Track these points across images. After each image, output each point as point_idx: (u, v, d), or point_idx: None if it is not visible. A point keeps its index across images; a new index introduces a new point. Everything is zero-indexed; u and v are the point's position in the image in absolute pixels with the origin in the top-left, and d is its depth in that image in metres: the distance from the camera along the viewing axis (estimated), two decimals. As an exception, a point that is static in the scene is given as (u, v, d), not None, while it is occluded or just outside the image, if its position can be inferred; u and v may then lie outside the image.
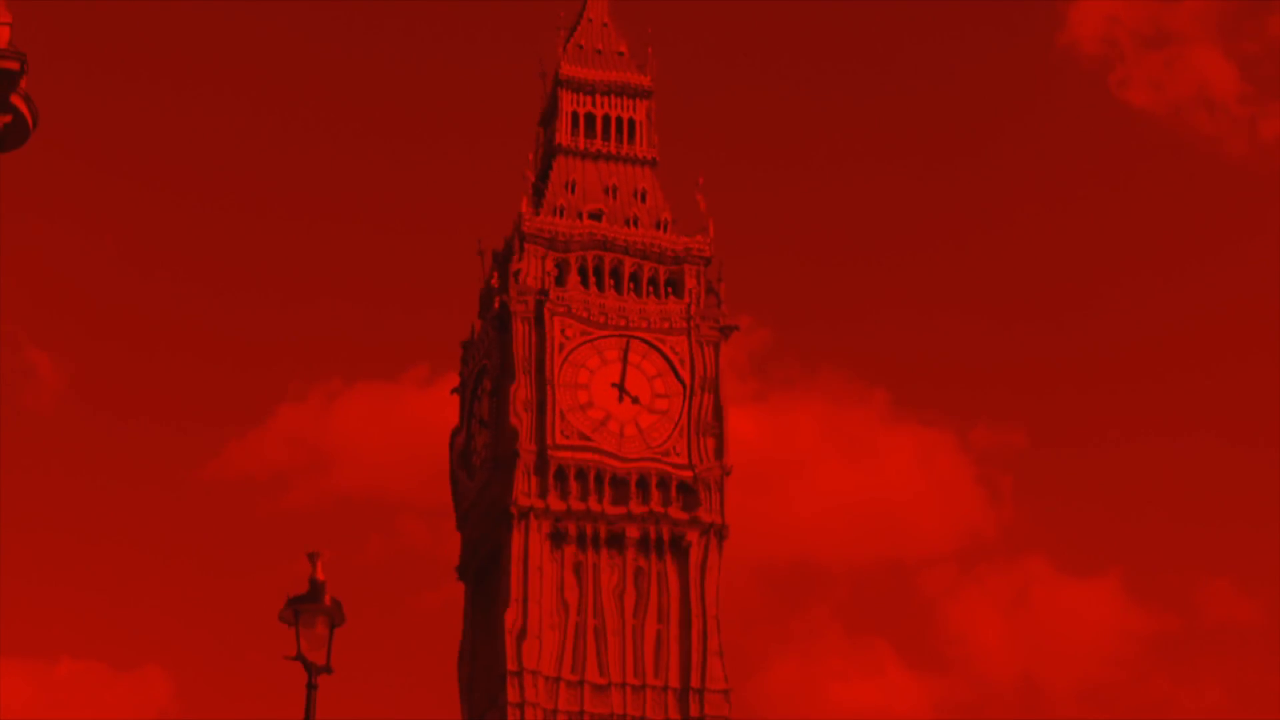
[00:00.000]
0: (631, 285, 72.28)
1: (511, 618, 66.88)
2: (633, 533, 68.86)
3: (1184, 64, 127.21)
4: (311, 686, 18.44)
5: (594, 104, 76.62)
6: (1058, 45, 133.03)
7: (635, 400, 70.25)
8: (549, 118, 77.55)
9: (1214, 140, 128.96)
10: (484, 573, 71.32)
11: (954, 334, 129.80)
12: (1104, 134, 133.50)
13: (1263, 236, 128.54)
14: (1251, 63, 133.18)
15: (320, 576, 18.52)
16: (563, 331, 70.47)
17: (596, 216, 73.30)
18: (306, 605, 18.37)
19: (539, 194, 74.22)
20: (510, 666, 66.23)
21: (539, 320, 70.55)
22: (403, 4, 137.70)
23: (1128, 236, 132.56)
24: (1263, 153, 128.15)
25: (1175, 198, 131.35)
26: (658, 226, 73.70)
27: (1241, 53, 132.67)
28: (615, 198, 74.42)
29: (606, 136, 76.08)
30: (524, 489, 68.41)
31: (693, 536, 69.06)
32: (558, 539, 68.61)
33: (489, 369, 72.40)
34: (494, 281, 72.72)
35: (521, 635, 66.67)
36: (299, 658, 18.33)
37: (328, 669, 18.11)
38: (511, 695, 65.92)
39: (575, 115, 76.24)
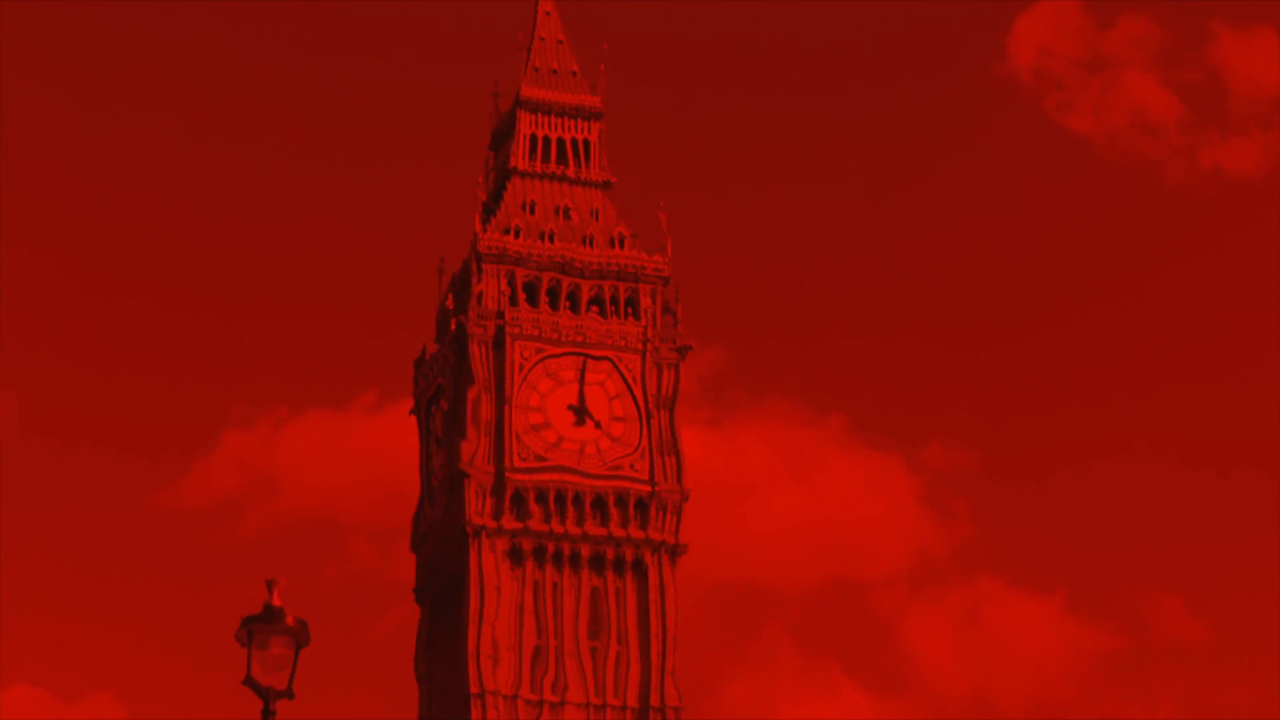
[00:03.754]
0: (588, 306, 72.19)
1: (470, 639, 66.68)
2: (590, 552, 68.79)
3: (1121, 91, 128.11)
4: (270, 712, 18.04)
5: (550, 125, 76.50)
6: (999, 73, 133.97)
7: (597, 425, 70.14)
8: (501, 139, 77.36)
9: (1155, 165, 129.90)
10: (442, 595, 71.05)
11: (904, 358, 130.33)
12: (1048, 161, 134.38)
13: (1204, 262, 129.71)
14: (1190, 90, 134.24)
15: (277, 603, 18.09)
16: (520, 352, 70.37)
17: (552, 237, 73.15)
18: (262, 626, 17.93)
19: (492, 215, 74.02)
20: (472, 689, 66.04)
21: (497, 342, 70.45)
22: (355, 24, 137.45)
23: (1074, 262, 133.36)
24: (1201, 180, 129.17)
25: (1118, 224, 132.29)
26: (613, 244, 73.61)
27: (1180, 80, 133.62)
28: (570, 218, 74.31)
29: (563, 158, 75.96)
30: (479, 509, 68.30)
31: (650, 556, 69.05)
32: (516, 559, 68.47)
33: (444, 389, 72.19)
34: (449, 303, 72.51)
35: (480, 657, 66.46)
36: (249, 681, 17.94)
37: (289, 694, 17.64)
38: (474, 716, 65.72)
39: (532, 137, 76.10)
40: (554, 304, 71.97)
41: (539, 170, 75.46)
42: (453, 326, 71.49)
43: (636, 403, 70.84)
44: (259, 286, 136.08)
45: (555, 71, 77.73)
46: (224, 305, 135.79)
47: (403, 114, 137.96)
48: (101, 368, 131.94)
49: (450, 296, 72.93)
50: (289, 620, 17.64)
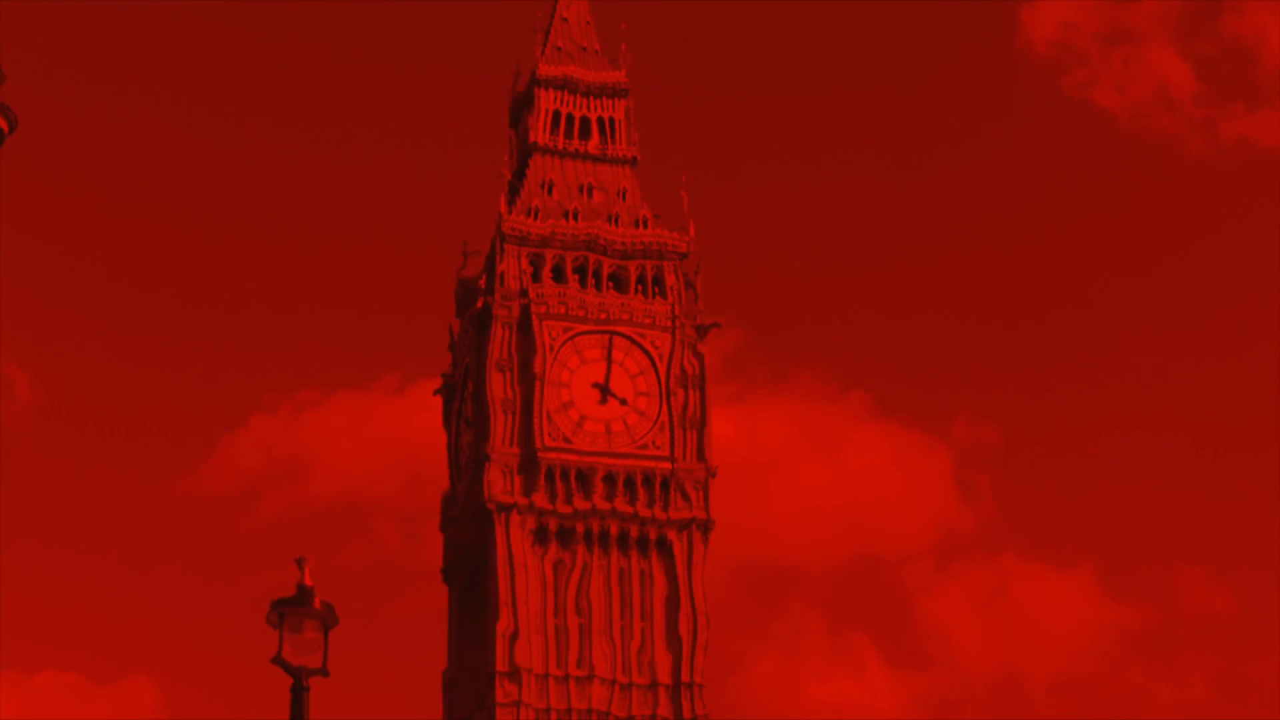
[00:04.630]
0: (612, 283, 72.34)
1: (500, 618, 66.92)
2: (616, 530, 68.97)
3: (1141, 65, 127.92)
4: (302, 689, 18.25)
5: (572, 103, 76.56)
6: (1020, 48, 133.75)
7: (622, 401, 70.32)
8: (523, 117, 77.46)
9: (1175, 138, 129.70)
10: (470, 574, 71.34)
11: (927, 335, 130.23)
12: (1069, 136, 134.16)
13: (1224, 235, 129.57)
14: (1207, 63, 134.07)
15: (308, 581, 18.36)
16: (546, 330, 70.51)
17: (576, 215, 73.28)
18: (293, 609, 18.21)
19: (515, 194, 74.19)
20: (500, 667, 66.31)
21: (523, 320, 70.60)
22: (378, 6, 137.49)
23: (1096, 236, 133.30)
24: (1223, 152, 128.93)
25: (1139, 198, 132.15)
26: (637, 224, 73.73)
27: (1201, 53, 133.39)
28: (594, 196, 74.42)
29: (585, 135, 76.05)
30: (505, 488, 68.51)
31: (677, 533, 69.20)
32: (541, 538, 68.69)
33: (471, 369, 72.51)
34: (482, 282, 72.61)
35: (508, 635, 66.72)
36: (279, 660, 18.17)
37: (324, 672, 17.91)
38: (500, 695, 66.02)
39: (555, 114, 76.16)
40: (580, 282, 72.09)
41: (559, 147, 75.50)
42: (479, 304, 71.63)
43: (661, 380, 70.96)
44: (282, 271, 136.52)
45: (584, 49, 77.77)
46: (247, 290, 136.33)
47: (425, 96, 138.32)
48: (125, 353, 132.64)
49: (483, 277, 72.99)
50: (319, 599, 17.90)
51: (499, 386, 69.70)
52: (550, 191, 74.16)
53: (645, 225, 73.67)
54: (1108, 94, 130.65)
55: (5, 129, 19.16)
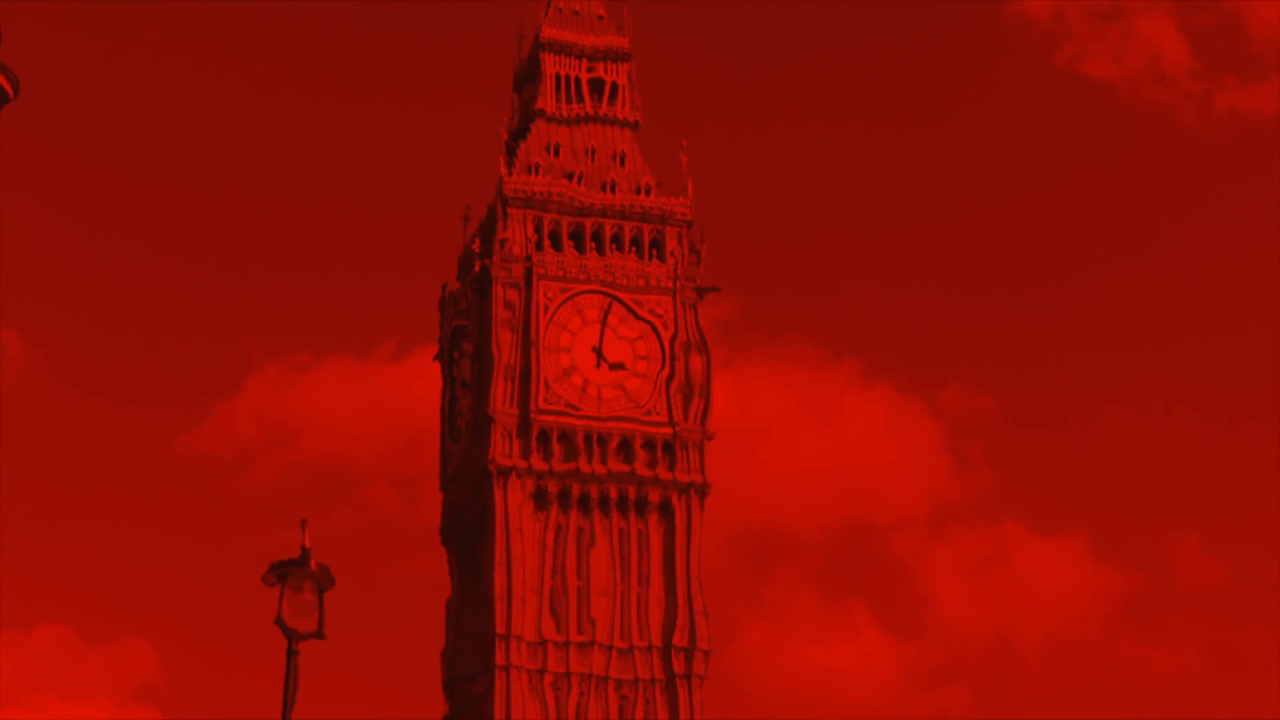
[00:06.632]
0: (613, 248, 72.39)
1: (497, 580, 67.14)
2: (615, 494, 69.14)
3: (1136, 37, 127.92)
4: (292, 652, 18.38)
5: (575, 67, 76.53)
6: (1014, 17, 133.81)
7: (620, 365, 70.41)
8: (525, 80, 77.43)
9: (1170, 109, 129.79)
10: (468, 537, 71.50)
11: (923, 301, 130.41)
12: (1064, 106, 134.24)
13: (1219, 207, 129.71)
14: (1202, 35, 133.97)
15: (307, 543, 18.47)
16: (545, 294, 70.61)
17: (578, 179, 73.27)
18: (293, 569, 18.31)
19: (515, 156, 74.13)
20: (498, 630, 66.54)
21: (525, 283, 70.64)
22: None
23: (1090, 207, 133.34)
24: (1215, 124, 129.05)
25: (1134, 169, 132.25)
26: (639, 190, 73.76)
27: (1192, 26, 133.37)
28: (595, 160, 74.43)
29: (584, 99, 76.01)
30: (505, 451, 68.63)
31: (675, 497, 69.37)
32: (540, 500, 68.87)
33: (468, 331, 72.54)
34: (475, 246, 72.73)
35: (506, 598, 66.93)
36: (279, 622, 18.27)
37: (320, 635, 18.02)
38: (498, 658, 66.27)
39: (558, 78, 76.13)
40: (580, 246, 72.13)
41: (565, 114, 75.44)
42: (476, 268, 71.74)
43: (662, 344, 71.06)
44: (279, 235, 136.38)
45: (578, 13, 77.69)
46: (243, 253, 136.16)
47: (424, 57, 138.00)
48: (120, 316, 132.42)
49: (477, 240, 73.05)
50: (314, 561, 18.01)
51: (500, 350, 69.78)
52: (556, 154, 74.12)
53: (648, 192, 73.65)
54: (1103, 66, 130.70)
55: (9, 90, 19.15)
